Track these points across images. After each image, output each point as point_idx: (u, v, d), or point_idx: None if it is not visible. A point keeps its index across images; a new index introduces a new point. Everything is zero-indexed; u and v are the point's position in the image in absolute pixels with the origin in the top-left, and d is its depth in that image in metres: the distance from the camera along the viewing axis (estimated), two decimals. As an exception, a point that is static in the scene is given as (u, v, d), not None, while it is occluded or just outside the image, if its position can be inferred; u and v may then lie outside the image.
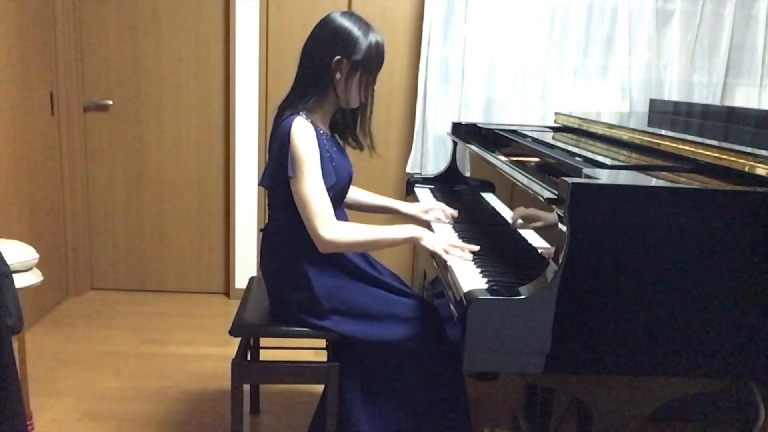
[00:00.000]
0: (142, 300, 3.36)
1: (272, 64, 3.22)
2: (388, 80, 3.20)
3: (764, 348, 1.31)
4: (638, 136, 1.86)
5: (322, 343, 2.01)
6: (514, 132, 2.30)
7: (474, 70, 3.07)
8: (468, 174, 2.52)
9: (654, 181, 1.35)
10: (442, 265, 1.60)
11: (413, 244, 1.68)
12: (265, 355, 2.18)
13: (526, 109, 3.13)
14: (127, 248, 3.42)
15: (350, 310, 1.71)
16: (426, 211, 2.02)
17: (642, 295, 1.27)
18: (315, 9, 3.09)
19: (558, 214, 1.28)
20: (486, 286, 1.39)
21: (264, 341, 2.13)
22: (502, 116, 3.13)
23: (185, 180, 3.36)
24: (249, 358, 1.98)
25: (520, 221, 1.72)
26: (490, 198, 2.07)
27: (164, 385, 2.47)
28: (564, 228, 1.25)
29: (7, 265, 1.63)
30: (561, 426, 1.79)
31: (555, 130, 2.48)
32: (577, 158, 1.66)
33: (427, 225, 1.96)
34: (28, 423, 1.98)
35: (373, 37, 1.69)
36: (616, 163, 1.58)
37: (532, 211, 1.60)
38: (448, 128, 2.66)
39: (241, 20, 3.13)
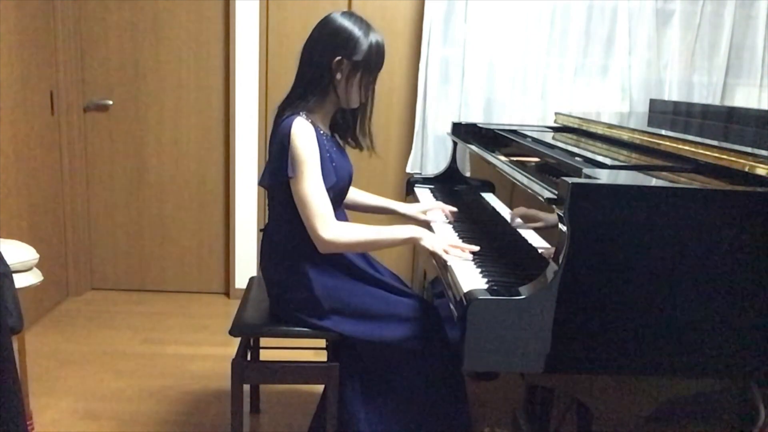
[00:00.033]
0: (142, 300, 3.36)
1: (272, 64, 3.22)
2: (388, 80, 3.20)
3: (764, 348, 1.31)
4: (638, 136, 1.86)
5: (322, 343, 2.01)
6: (514, 132, 2.30)
7: (474, 70, 3.07)
8: (468, 174, 2.52)
9: (654, 181, 1.35)
10: (442, 265, 1.60)
11: (413, 244, 1.68)
12: (265, 355, 2.18)
13: (526, 109, 3.13)
14: (127, 248, 3.42)
15: (350, 310, 1.71)
16: (424, 212, 2.03)
17: (642, 295, 1.27)
18: (315, 9, 3.09)
19: (558, 214, 1.28)
20: (486, 286, 1.39)
21: (264, 341, 2.13)
22: (502, 116, 3.13)
23: (185, 180, 3.36)
24: (249, 358, 1.98)
25: (518, 220, 1.72)
26: (490, 198, 2.07)
27: (164, 385, 2.47)
28: (564, 228, 1.25)
29: (7, 265, 1.63)
30: (561, 426, 1.79)
31: (555, 130, 2.48)
32: (577, 158, 1.66)
33: (426, 225, 1.96)
34: (28, 423, 1.98)
35: (373, 38, 1.69)
36: (616, 163, 1.58)
37: (532, 211, 1.60)
38: (448, 128, 2.66)
39: (241, 20, 3.13)
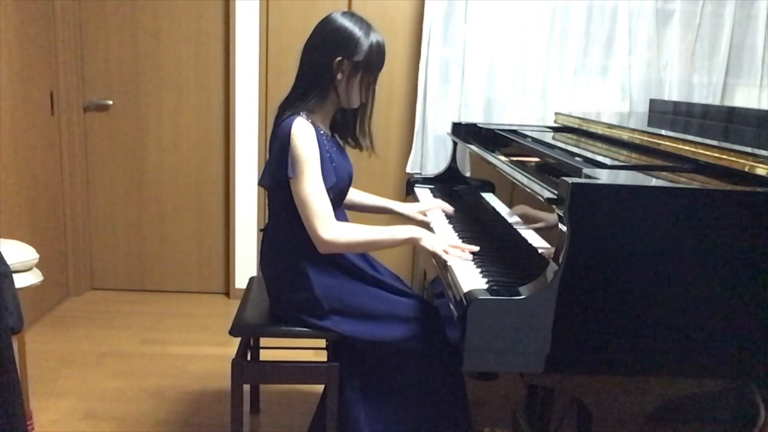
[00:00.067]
0: (142, 300, 3.36)
1: (272, 64, 3.22)
2: (388, 80, 3.21)
3: (764, 348, 1.31)
4: (638, 136, 1.86)
5: (322, 343, 2.01)
6: (514, 132, 2.30)
7: (474, 70, 3.07)
8: (468, 174, 2.52)
9: (654, 181, 1.35)
10: (442, 265, 1.60)
11: (413, 244, 1.68)
12: (265, 355, 2.18)
13: (526, 109, 3.13)
14: (127, 248, 3.43)
15: (350, 310, 1.71)
16: (424, 213, 2.03)
17: (642, 295, 1.27)
18: (315, 9, 3.09)
19: (558, 214, 1.28)
20: (486, 286, 1.39)
21: (264, 341, 2.13)
22: (502, 116, 3.13)
23: (185, 180, 3.36)
24: (249, 358, 1.98)
25: (516, 217, 1.72)
26: (490, 198, 2.07)
27: (164, 385, 2.47)
28: (564, 228, 1.25)
29: (7, 265, 1.63)
30: (561, 426, 1.78)
31: (555, 130, 2.48)
32: (577, 158, 1.66)
33: (426, 225, 1.96)
34: (28, 423, 1.98)
35: (374, 38, 1.69)
36: (616, 163, 1.58)
37: (533, 212, 1.60)
38: (448, 128, 2.66)
39: (241, 20, 3.13)
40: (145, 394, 2.40)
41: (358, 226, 1.68)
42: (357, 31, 1.67)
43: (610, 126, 2.08)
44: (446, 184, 2.54)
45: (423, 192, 2.44)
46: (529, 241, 1.58)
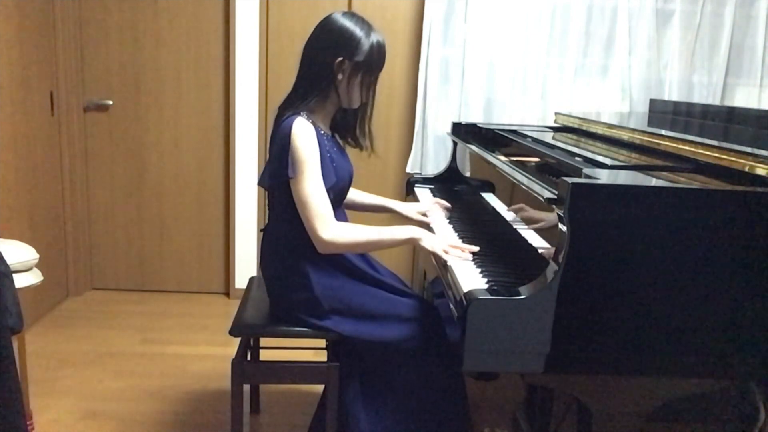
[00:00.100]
0: (142, 300, 3.36)
1: (272, 64, 3.22)
2: (388, 80, 3.20)
3: (764, 348, 1.31)
4: (638, 136, 1.86)
5: (322, 343, 2.01)
6: (514, 132, 2.30)
7: (474, 70, 3.07)
8: (468, 174, 2.52)
9: (654, 181, 1.35)
10: (442, 265, 1.60)
11: (413, 244, 1.68)
12: (265, 355, 2.18)
13: (526, 109, 3.13)
14: (127, 248, 3.43)
15: (350, 310, 1.71)
16: (424, 214, 2.03)
17: (642, 295, 1.27)
18: (315, 9, 3.09)
19: (558, 214, 1.28)
20: (486, 286, 1.39)
21: (264, 341, 2.13)
22: (502, 116, 3.13)
23: (185, 180, 3.36)
24: (249, 358, 1.98)
25: (513, 216, 1.72)
26: (490, 198, 2.07)
27: (164, 385, 2.47)
28: (564, 228, 1.25)
29: (7, 265, 1.63)
30: (561, 426, 1.78)
31: (555, 130, 2.48)
32: (577, 158, 1.66)
33: (426, 226, 1.96)
34: (28, 423, 1.98)
35: (374, 38, 1.69)
36: (616, 163, 1.58)
37: (533, 212, 1.60)
38: (448, 128, 2.66)
39: (241, 20, 3.13)
40: (145, 394, 2.40)
41: (358, 226, 1.68)
42: (358, 31, 1.67)
43: (610, 126, 2.08)
44: (446, 184, 2.54)
45: (423, 192, 2.44)
46: (529, 241, 1.58)
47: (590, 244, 1.25)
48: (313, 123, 1.68)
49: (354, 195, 2.04)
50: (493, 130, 2.40)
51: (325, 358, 1.81)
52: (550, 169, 1.71)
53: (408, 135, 3.26)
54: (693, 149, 1.57)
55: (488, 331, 1.26)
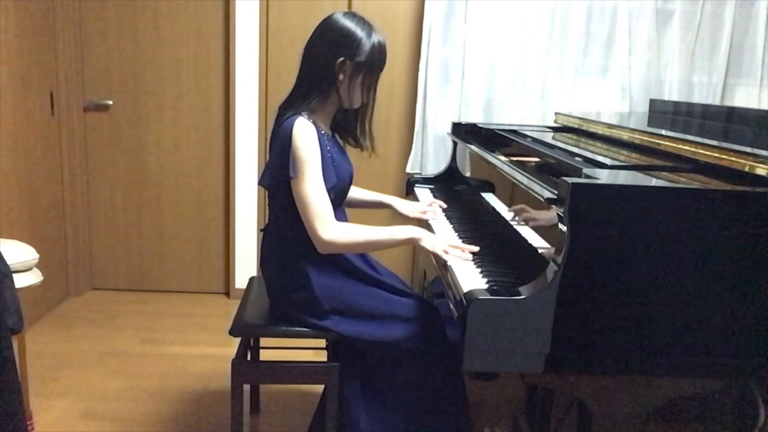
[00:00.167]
0: (142, 300, 3.36)
1: (272, 64, 3.22)
2: (388, 80, 3.20)
3: (764, 348, 1.31)
4: (638, 136, 1.86)
5: (322, 343, 2.01)
6: (514, 132, 2.30)
7: (474, 70, 3.07)
8: (468, 174, 2.52)
9: (654, 181, 1.35)
10: (442, 265, 1.60)
11: (413, 244, 1.68)
12: (265, 355, 2.18)
13: (526, 109, 3.13)
14: (127, 248, 3.43)
15: (350, 310, 1.71)
16: (424, 212, 2.04)
17: (642, 295, 1.27)
18: (315, 9, 3.09)
19: (558, 214, 1.28)
20: (486, 286, 1.39)
21: (264, 341, 2.13)
22: (502, 116, 3.13)
23: (185, 180, 3.36)
24: (249, 358, 1.98)
25: (512, 213, 1.72)
26: (490, 198, 2.07)
27: (164, 385, 2.47)
28: (564, 228, 1.25)
29: (7, 265, 1.63)
30: (561, 426, 1.78)
31: (555, 130, 2.48)
32: (577, 158, 1.66)
33: (425, 225, 1.96)
34: (28, 423, 1.98)
35: (375, 38, 1.69)
36: (616, 163, 1.58)
37: (532, 212, 1.60)
38: (448, 128, 2.66)
39: (241, 20, 3.13)
40: (145, 394, 2.40)
41: (358, 226, 1.68)
42: (359, 31, 1.67)
43: (610, 126, 2.08)
44: (446, 184, 2.54)
45: (423, 192, 2.44)
46: (529, 241, 1.58)
47: (590, 244, 1.25)
48: (314, 123, 1.68)
49: (352, 192, 2.04)
50: (493, 130, 2.40)
51: (325, 358, 1.81)
52: (550, 169, 1.71)
53: (408, 135, 3.26)
54: (693, 149, 1.57)
55: (488, 331, 1.26)
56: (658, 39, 3.07)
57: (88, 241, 3.38)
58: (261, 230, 2.07)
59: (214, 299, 3.43)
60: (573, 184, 1.23)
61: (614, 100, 3.15)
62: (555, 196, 1.30)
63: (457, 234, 1.89)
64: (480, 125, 2.53)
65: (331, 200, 1.66)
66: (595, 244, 1.25)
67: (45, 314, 3.09)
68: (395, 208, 2.07)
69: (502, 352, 1.28)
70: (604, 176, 1.34)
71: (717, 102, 3.09)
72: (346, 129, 1.85)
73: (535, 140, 2.06)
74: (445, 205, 2.13)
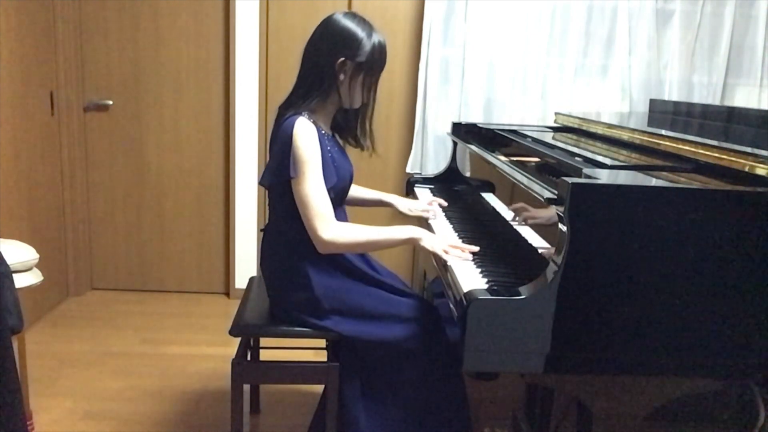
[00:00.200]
0: (142, 300, 3.36)
1: (272, 64, 3.22)
2: (388, 80, 3.20)
3: (764, 348, 1.31)
4: (638, 136, 1.86)
5: (322, 343, 2.01)
6: (514, 132, 2.30)
7: (474, 70, 3.07)
8: (468, 174, 2.52)
9: (654, 181, 1.35)
10: (442, 265, 1.60)
11: (413, 244, 1.68)
12: (265, 355, 2.18)
13: (526, 109, 3.13)
14: (127, 248, 3.43)
15: (350, 310, 1.71)
16: (425, 211, 2.04)
17: (642, 295, 1.27)
18: (315, 9, 3.09)
19: (558, 214, 1.28)
20: (486, 286, 1.39)
21: (264, 341, 2.13)
22: (502, 116, 3.13)
23: (185, 180, 3.36)
24: (249, 358, 1.98)
25: (513, 213, 1.72)
26: (490, 198, 2.07)
27: (164, 385, 2.47)
28: (564, 228, 1.25)
29: (7, 265, 1.63)
30: (561, 426, 1.78)
31: (555, 130, 2.48)
32: (577, 158, 1.66)
33: (425, 225, 1.96)
34: (28, 423, 1.98)
35: (376, 38, 1.69)
36: (616, 163, 1.58)
37: (534, 211, 1.60)
38: (448, 128, 2.66)
39: (241, 20, 3.13)
40: (145, 394, 2.40)
41: (358, 226, 1.68)
42: (360, 32, 1.67)
43: (610, 126, 2.08)
44: (446, 184, 2.54)
45: (423, 192, 2.44)
46: (529, 241, 1.58)
47: (590, 244, 1.25)
48: (315, 123, 1.68)
49: (352, 190, 2.04)
50: (493, 130, 2.40)
51: (325, 358, 1.81)
52: (550, 169, 1.71)
53: (408, 135, 3.26)
54: (693, 149, 1.57)
55: (488, 331, 1.26)
56: (658, 39, 3.07)
57: (88, 241, 3.38)
58: (261, 230, 2.07)
59: (214, 299, 3.43)
60: (573, 184, 1.23)
61: (614, 100, 3.15)
62: (555, 196, 1.30)
63: (457, 234, 1.89)
64: (480, 125, 2.53)
65: (332, 200, 1.66)
66: (595, 244, 1.25)
67: (45, 314, 3.09)
68: (395, 207, 2.08)
69: (502, 352, 1.28)
70: (604, 176, 1.33)
71: (717, 102, 3.09)
72: (347, 129, 1.85)
73: (535, 140, 2.06)
74: (445, 204, 2.13)
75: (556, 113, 2.69)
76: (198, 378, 2.53)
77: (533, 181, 1.56)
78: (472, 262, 1.57)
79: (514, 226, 1.72)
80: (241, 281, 3.39)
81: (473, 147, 2.21)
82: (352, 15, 1.70)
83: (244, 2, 3.11)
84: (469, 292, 1.30)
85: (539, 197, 1.42)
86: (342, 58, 1.67)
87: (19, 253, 2.03)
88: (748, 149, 1.42)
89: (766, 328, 1.30)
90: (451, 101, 3.12)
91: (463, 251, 1.60)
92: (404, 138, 3.29)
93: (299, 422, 2.23)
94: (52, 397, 2.34)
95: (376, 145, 1.86)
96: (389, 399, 1.72)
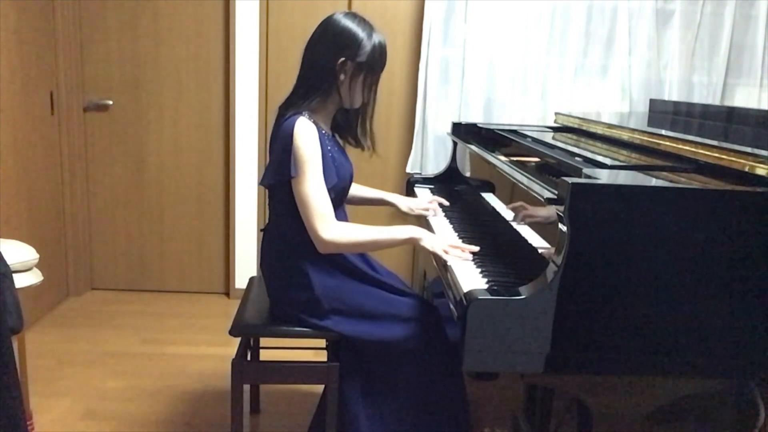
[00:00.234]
0: (142, 300, 3.36)
1: (272, 64, 3.22)
2: (388, 80, 3.20)
3: (764, 348, 1.31)
4: (638, 136, 1.86)
5: (322, 343, 2.01)
6: (514, 132, 2.30)
7: (474, 70, 3.07)
8: (468, 174, 2.52)
9: (654, 181, 1.35)
10: (442, 265, 1.60)
11: (413, 244, 1.68)
12: (265, 355, 2.18)
13: (526, 109, 3.13)
14: (127, 248, 3.43)
15: (350, 310, 1.71)
16: (426, 209, 2.04)
17: (642, 295, 1.27)
18: (315, 9, 3.09)
19: (558, 214, 1.28)
20: (486, 286, 1.39)
21: (264, 341, 2.13)
22: (502, 116, 3.13)
23: (185, 180, 3.36)
24: (249, 358, 1.98)
25: (513, 213, 1.72)
26: (490, 198, 2.07)
27: (164, 385, 2.47)
28: (564, 228, 1.25)
29: (7, 265, 1.63)
30: (561, 426, 1.78)
31: (555, 130, 2.48)
32: (577, 158, 1.66)
33: (426, 224, 1.96)
34: (28, 423, 1.98)
35: (376, 39, 1.69)
36: (616, 163, 1.58)
37: (533, 209, 1.60)
38: (448, 128, 2.66)
39: (241, 20, 3.13)
40: (145, 394, 2.40)
41: (358, 226, 1.68)
42: (360, 32, 1.67)
43: (610, 126, 2.08)
44: (446, 184, 2.54)
45: (423, 192, 2.44)
46: (529, 241, 1.58)
47: (590, 244, 1.25)
48: (315, 123, 1.68)
49: (352, 189, 2.04)
50: (493, 130, 2.40)
51: (325, 358, 1.81)
52: (550, 169, 1.71)
53: (408, 135, 3.26)
54: (693, 149, 1.57)
55: (488, 331, 1.26)
56: (658, 39, 3.07)
57: (88, 241, 3.38)
58: (261, 230, 2.07)
59: (214, 299, 3.43)
60: (573, 184, 1.23)
61: (614, 100, 3.15)
62: (555, 196, 1.30)
63: (457, 234, 1.89)
64: (480, 125, 2.53)
65: (332, 200, 1.66)
66: (595, 244, 1.25)
67: (45, 314, 3.09)
68: (396, 205, 2.08)
69: (502, 352, 1.28)
70: (604, 176, 1.34)
71: (717, 102, 3.09)
72: (347, 129, 1.85)
73: (535, 140, 2.06)
74: (446, 203, 2.13)
75: (556, 113, 2.69)
76: (198, 378, 2.53)
77: (533, 181, 1.56)
78: (472, 262, 1.57)
79: (514, 226, 1.72)
80: (241, 281, 3.39)
81: (473, 147, 2.21)
82: (353, 15, 1.70)
83: (244, 2, 3.11)
84: (469, 292, 1.30)
85: (539, 197, 1.42)
86: (342, 58, 1.67)
87: (19, 253, 2.03)
88: (748, 149, 1.42)
89: (766, 328, 1.30)
90: (451, 101, 3.12)
91: (463, 251, 1.60)
92: (404, 138, 3.29)
93: (299, 422, 2.23)
94: (52, 397, 2.34)
95: (376, 145, 1.86)
96: (389, 399, 1.72)
